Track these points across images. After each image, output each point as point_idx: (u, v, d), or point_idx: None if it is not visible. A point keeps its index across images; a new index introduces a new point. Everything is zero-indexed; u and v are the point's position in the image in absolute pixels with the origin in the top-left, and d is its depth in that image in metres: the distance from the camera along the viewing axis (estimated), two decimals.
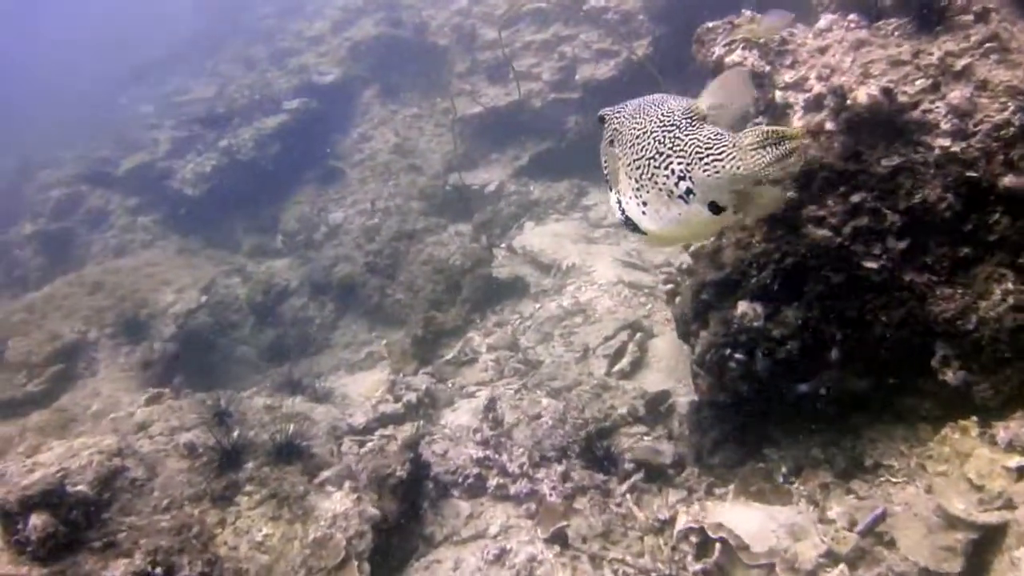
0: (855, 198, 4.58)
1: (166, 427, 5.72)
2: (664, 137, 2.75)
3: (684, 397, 6.19)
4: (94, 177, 15.40)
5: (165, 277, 9.72)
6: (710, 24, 5.53)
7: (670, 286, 6.50)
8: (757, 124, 4.44)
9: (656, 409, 6.09)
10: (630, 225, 3.05)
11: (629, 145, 2.91)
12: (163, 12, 29.91)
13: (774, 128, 2.43)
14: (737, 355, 4.98)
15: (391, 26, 14.67)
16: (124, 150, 15.86)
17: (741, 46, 5.24)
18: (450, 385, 7.37)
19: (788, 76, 5.14)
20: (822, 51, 5.08)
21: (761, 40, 5.19)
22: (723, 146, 2.56)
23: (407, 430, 6.24)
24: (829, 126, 4.71)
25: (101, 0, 40.82)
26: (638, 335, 7.19)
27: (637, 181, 2.87)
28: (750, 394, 5.04)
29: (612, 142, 3.08)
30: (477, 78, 12.73)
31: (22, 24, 44.01)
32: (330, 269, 10.72)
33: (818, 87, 4.85)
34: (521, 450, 5.55)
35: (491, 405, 6.16)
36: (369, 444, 6.12)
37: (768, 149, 2.42)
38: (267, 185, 13.81)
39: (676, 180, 2.68)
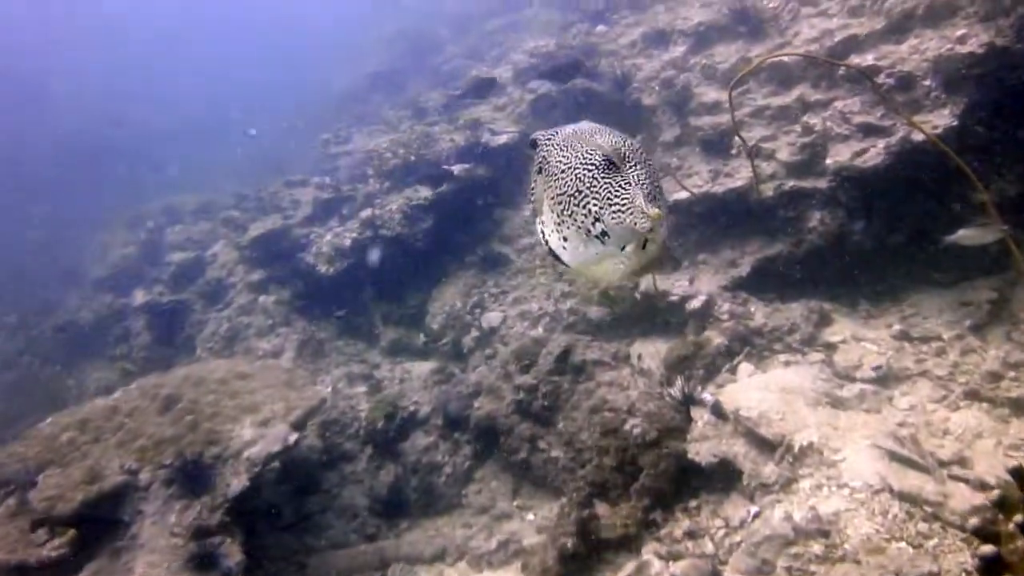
0: None
1: None
2: (584, 175, 2.94)
3: None
4: (219, 241, 14.93)
5: (253, 399, 8.46)
6: None
7: (987, 551, 4.36)
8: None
9: None
10: (553, 256, 3.25)
11: (554, 178, 3.11)
12: (356, 44, 30.54)
13: (644, 204, 2.67)
14: None
15: (585, 77, 13.18)
16: (259, 209, 15.29)
17: None
18: None
19: None
20: None
21: None
22: (626, 198, 2.77)
23: None
24: None
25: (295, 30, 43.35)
26: None
27: (559, 216, 3.07)
28: None
29: (540, 170, 3.28)
30: (688, 150, 10.92)
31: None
32: (470, 400, 9.15)
33: None
34: None
35: None
36: None
37: (645, 218, 2.65)
38: (416, 267, 12.64)
39: (592, 220, 2.88)
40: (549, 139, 3.29)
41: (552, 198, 3.10)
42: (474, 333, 11.21)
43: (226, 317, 13.41)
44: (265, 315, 13.02)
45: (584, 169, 2.95)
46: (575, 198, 2.95)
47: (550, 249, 3.22)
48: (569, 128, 3.26)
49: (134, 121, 36.98)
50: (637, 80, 12.53)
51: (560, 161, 3.10)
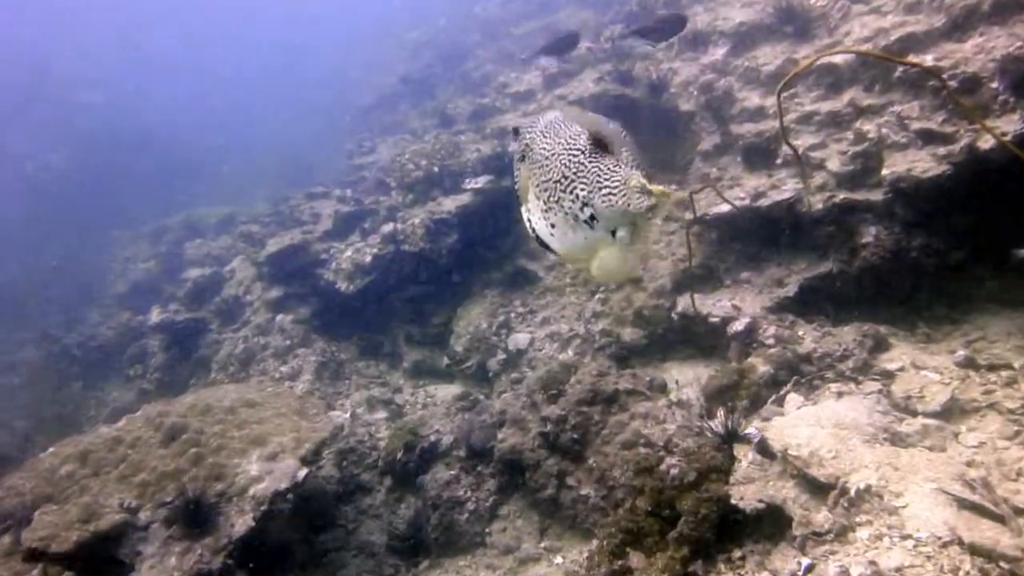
0: None
1: None
2: (570, 161, 2.95)
3: None
4: (237, 257, 14.60)
5: (262, 429, 8.03)
6: None
7: None
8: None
9: None
10: (541, 243, 3.25)
11: (538, 165, 3.12)
12: (385, 51, 30.29)
13: (645, 183, 2.67)
14: None
15: (618, 82, 12.70)
16: (279, 223, 14.96)
17: None
18: None
19: None
20: None
21: None
22: (617, 180, 2.76)
23: None
24: None
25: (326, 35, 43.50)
26: None
27: (545, 203, 3.08)
28: None
29: (523, 158, 3.29)
30: (729, 159, 10.37)
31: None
32: (494, 431, 8.64)
33: None
34: None
35: None
36: None
37: (646, 196, 2.65)
38: (439, 284, 12.21)
39: (581, 205, 2.89)
40: (531, 126, 3.30)
41: (537, 185, 3.13)
42: (500, 355, 10.74)
43: (242, 337, 13.04)
44: (283, 335, 12.63)
45: (569, 155, 2.97)
46: (561, 184, 2.97)
47: (537, 236, 3.24)
48: (550, 114, 3.27)
49: (159, 131, 37.17)
50: (674, 85, 12.00)
51: (544, 148, 3.11)
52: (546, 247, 3.23)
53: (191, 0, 55.48)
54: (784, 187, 9.10)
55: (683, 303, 9.53)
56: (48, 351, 17.90)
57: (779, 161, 9.51)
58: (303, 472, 7.53)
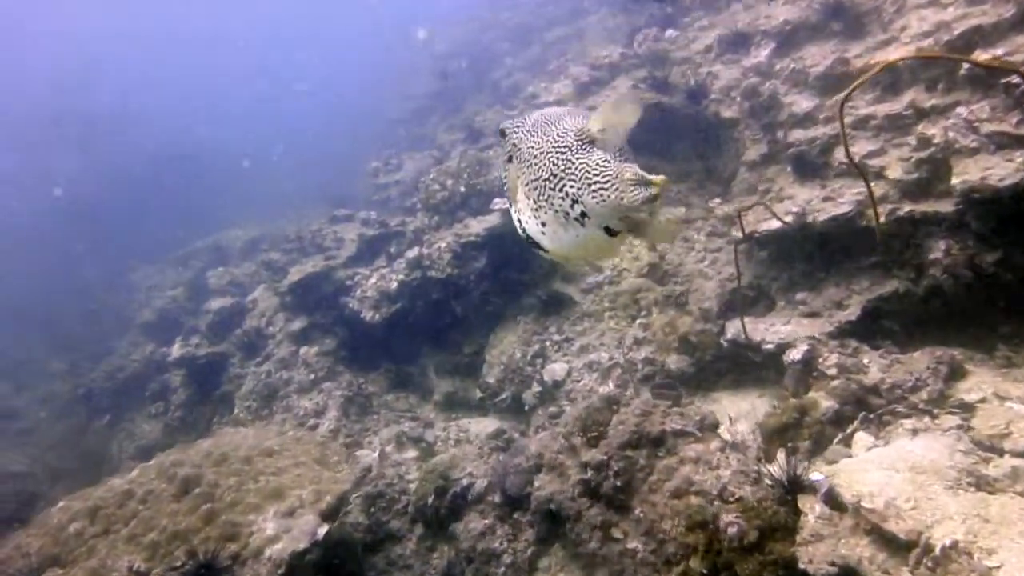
0: None
1: None
2: (558, 158, 2.94)
3: None
4: (259, 286, 14.15)
5: (280, 481, 7.47)
6: None
7: None
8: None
9: None
10: (531, 243, 3.23)
11: (527, 164, 3.11)
12: (415, 65, 29.98)
13: (644, 174, 2.63)
14: None
15: (654, 89, 12.08)
16: (301, 250, 14.48)
17: None
18: None
19: None
20: None
21: None
22: (607, 175, 2.74)
23: None
24: None
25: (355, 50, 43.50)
26: None
27: (535, 202, 3.07)
28: None
29: (511, 158, 3.28)
30: (777, 170, 9.69)
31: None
32: (529, 476, 7.99)
33: None
34: None
35: None
36: None
37: (642, 188, 2.59)
38: (469, 311, 11.56)
39: (571, 203, 2.87)
40: (518, 126, 3.30)
41: (527, 184, 3.11)
42: (536, 388, 10.10)
43: (265, 372, 12.52)
44: (307, 369, 12.10)
45: (557, 152, 2.96)
46: (551, 182, 2.95)
47: (528, 236, 3.22)
48: (537, 113, 3.27)
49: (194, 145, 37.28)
50: (714, 90, 11.32)
51: (532, 147, 3.10)
52: (537, 247, 3.22)
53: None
54: (841, 199, 8.39)
55: (733, 328, 8.86)
56: (77, 384, 17.64)
57: (833, 171, 8.81)
58: (323, 529, 6.95)
